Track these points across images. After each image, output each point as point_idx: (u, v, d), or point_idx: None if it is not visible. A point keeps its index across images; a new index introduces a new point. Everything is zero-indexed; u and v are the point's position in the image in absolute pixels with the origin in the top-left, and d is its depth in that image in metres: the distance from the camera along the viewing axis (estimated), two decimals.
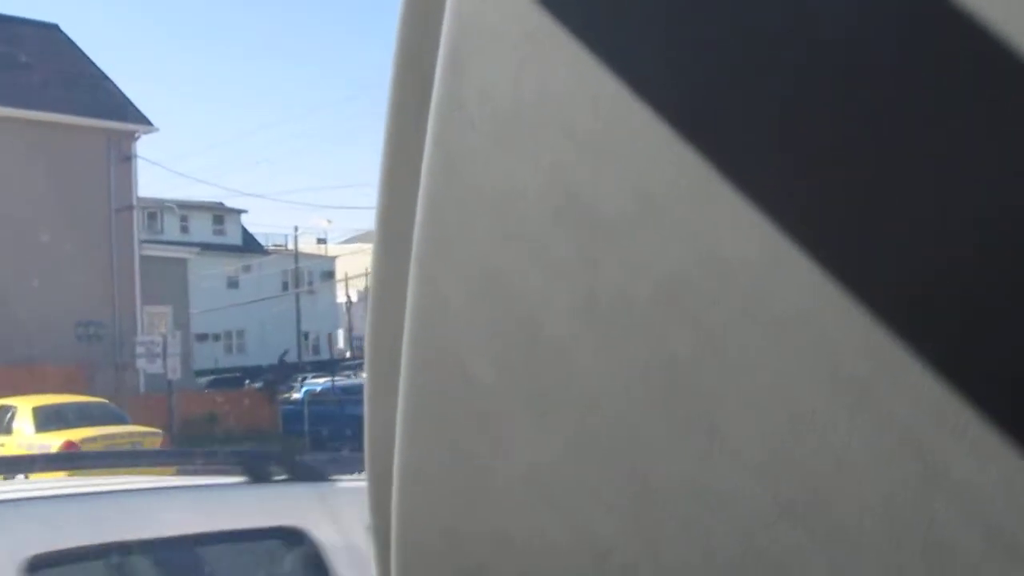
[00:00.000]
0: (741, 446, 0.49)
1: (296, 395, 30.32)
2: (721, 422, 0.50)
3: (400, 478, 0.60)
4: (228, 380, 37.44)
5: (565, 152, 0.55)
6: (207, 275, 43.68)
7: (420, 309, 0.59)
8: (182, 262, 32.87)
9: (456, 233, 0.58)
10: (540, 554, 0.55)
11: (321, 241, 61.44)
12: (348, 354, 54.81)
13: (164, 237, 47.01)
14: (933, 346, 0.45)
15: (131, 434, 16.53)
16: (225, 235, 49.47)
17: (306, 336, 51.57)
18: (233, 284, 46.78)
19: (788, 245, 0.48)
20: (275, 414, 27.06)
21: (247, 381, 35.62)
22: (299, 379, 35.70)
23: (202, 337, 46.79)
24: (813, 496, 0.48)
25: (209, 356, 45.92)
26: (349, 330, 57.92)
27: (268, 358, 47.60)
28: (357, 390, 25.23)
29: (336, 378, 35.37)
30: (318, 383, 31.82)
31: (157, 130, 31.74)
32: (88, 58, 32.15)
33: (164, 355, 25.33)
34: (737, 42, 0.49)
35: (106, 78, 31.68)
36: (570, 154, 0.55)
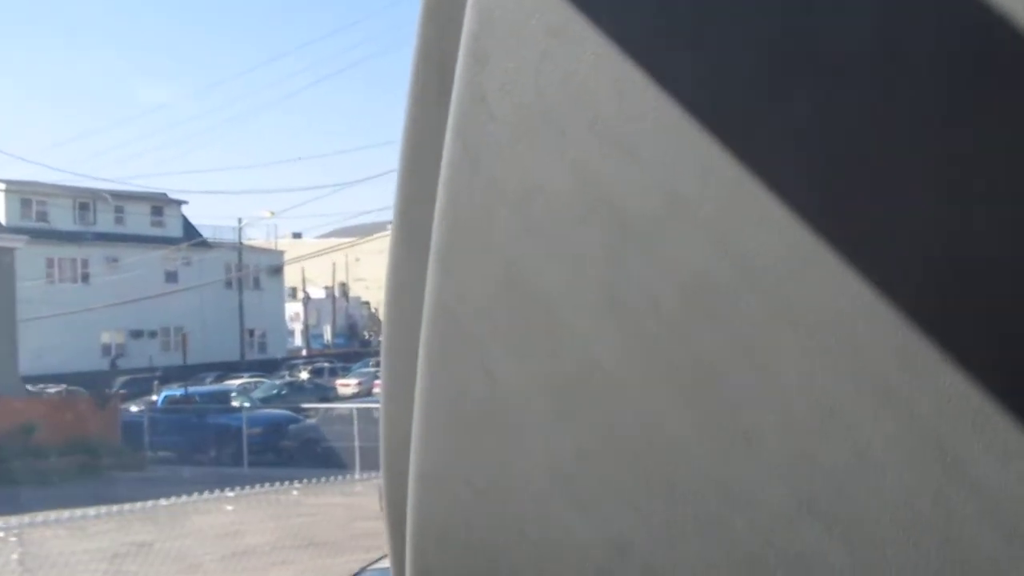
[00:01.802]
0: (765, 444, 0.51)
1: (134, 406, 27.89)
2: (745, 420, 0.52)
3: (416, 475, 0.61)
4: (145, 381, 36.40)
5: (589, 147, 0.56)
6: (141, 268, 42.75)
7: (439, 304, 0.60)
8: (9, 252, 29.48)
9: (477, 227, 0.59)
10: (558, 549, 0.56)
11: (297, 236, 60.80)
12: (304, 352, 54.03)
13: (96, 229, 46.07)
14: (956, 346, 0.46)
15: None
16: (164, 227, 48.46)
17: (251, 333, 50.69)
18: (172, 278, 45.73)
19: (815, 245, 0.50)
20: (113, 424, 24.06)
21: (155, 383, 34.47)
22: (155, 384, 34.35)
23: (136, 334, 45.92)
24: (835, 493, 0.50)
25: (143, 354, 45.00)
26: (306, 327, 57.16)
27: (210, 356, 46.76)
28: (223, 396, 24.25)
29: (242, 382, 34.50)
30: (181, 390, 30.23)
31: None
32: None
33: None
34: (766, 39, 0.51)
35: None
36: (594, 149, 0.56)
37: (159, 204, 49.25)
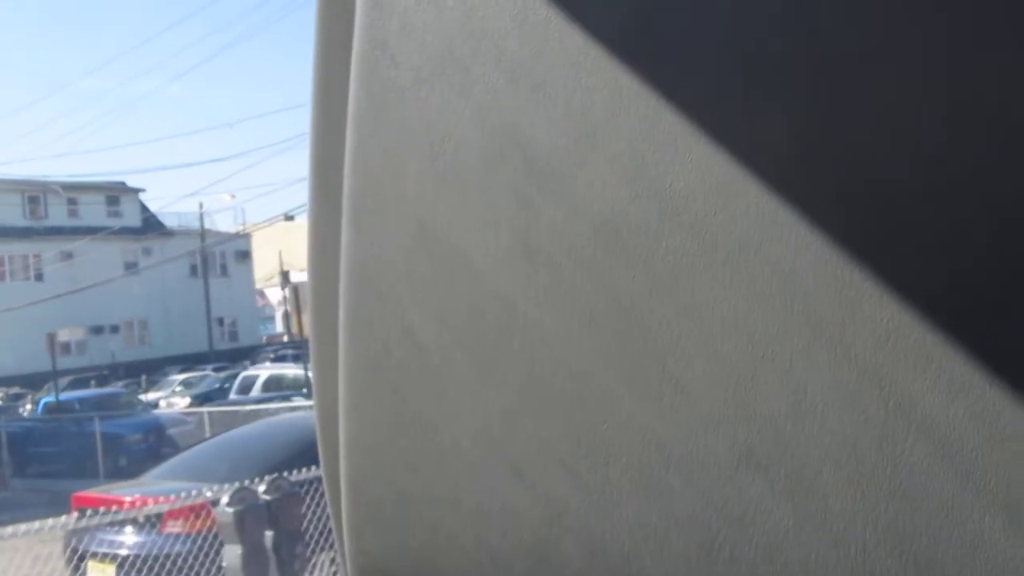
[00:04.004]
0: (696, 393, 0.49)
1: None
2: (674, 368, 0.50)
3: (347, 445, 0.60)
4: (98, 379, 36.17)
5: (495, 87, 0.54)
6: (99, 261, 42.55)
7: (355, 263, 0.59)
8: None
9: (387, 180, 0.58)
10: (494, 515, 0.55)
11: (289, 218, 60.82)
12: (286, 338, 53.90)
13: (49, 223, 45.93)
14: (893, 278, 0.45)
15: None
16: (122, 217, 48.21)
17: (220, 322, 50.53)
18: (132, 270, 45.52)
19: (734, 174, 0.48)
20: None
21: (91, 381, 34.11)
22: (92, 384, 34.03)
23: (97, 330, 45.84)
24: (773, 444, 0.48)
25: (104, 350, 44.92)
26: (286, 312, 57.00)
27: (177, 348, 46.66)
28: (109, 401, 23.62)
29: (194, 374, 34.11)
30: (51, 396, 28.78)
31: None
32: None
33: None
34: None
35: None
36: (500, 89, 0.54)
37: (115, 193, 48.94)
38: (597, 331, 0.52)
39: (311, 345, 0.66)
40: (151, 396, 31.30)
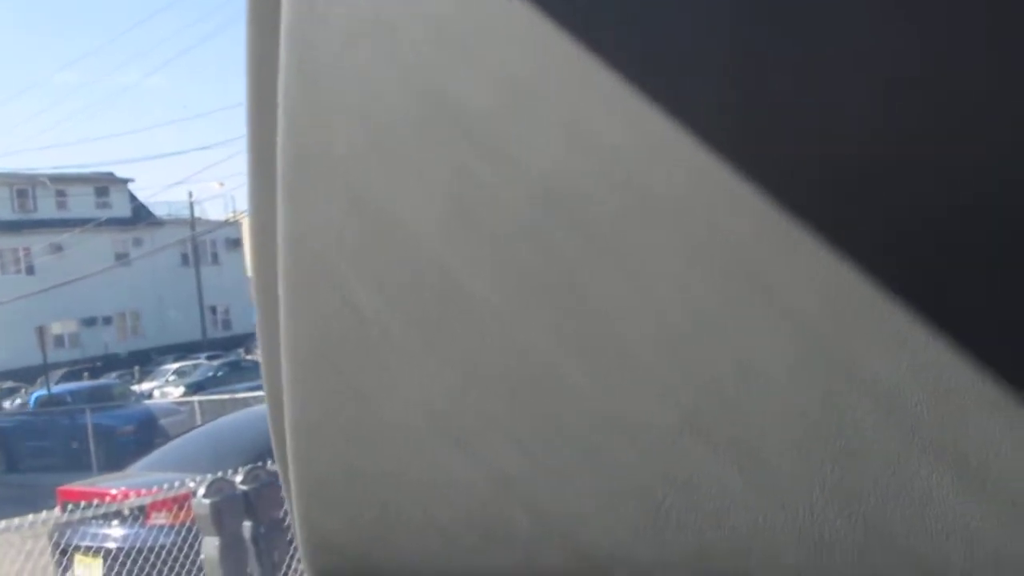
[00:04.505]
0: (638, 358, 0.49)
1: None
2: (617, 335, 0.49)
3: (292, 422, 0.59)
4: (91, 372, 36.10)
5: (423, 47, 0.53)
6: (89, 253, 42.40)
7: (292, 236, 0.58)
8: None
9: (319, 148, 0.56)
10: (442, 489, 0.55)
11: None
12: None
13: (38, 216, 45.77)
14: (834, 233, 0.45)
15: None
16: (111, 208, 48.05)
17: (213, 310, 50.45)
18: (123, 260, 45.39)
19: (671, 132, 0.48)
20: None
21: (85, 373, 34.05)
22: (84, 376, 34.00)
23: (89, 322, 45.77)
24: (718, 410, 0.47)
25: (98, 342, 44.86)
26: None
27: (170, 338, 46.59)
28: (101, 393, 23.51)
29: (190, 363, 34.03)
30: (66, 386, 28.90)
31: None
32: None
33: None
34: None
35: None
36: (429, 49, 0.53)
37: (103, 184, 48.77)
38: (537, 298, 0.51)
39: (257, 322, 0.65)
40: (144, 386, 31.28)
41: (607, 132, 0.49)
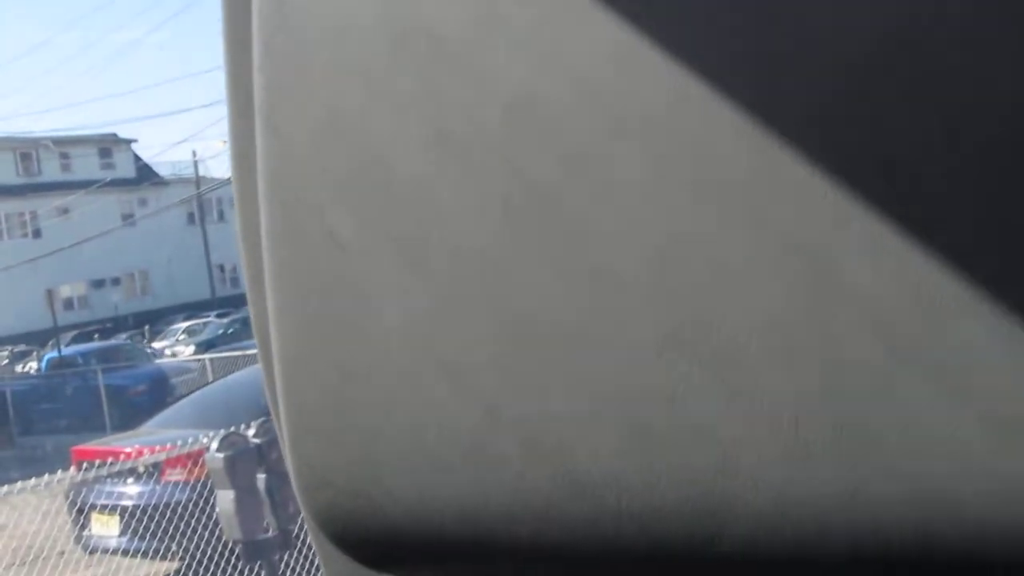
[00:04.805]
0: (615, 275, 0.49)
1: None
2: (592, 251, 0.49)
3: (280, 356, 0.59)
4: (102, 333, 36.23)
5: None
6: (95, 214, 42.41)
7: (271, 168, 0.58)
8: None
9: (294, 76, 0.57)
10: (429, 417, 0.55)
11: None
12: None
13: (43, 179, 45.72)
14: (805, 137, 0.45)
15: None
16: (115, 168, 47.96)
17: (221, 268, 50.52)
18: (129, 221, 45.40)
19: (641, 44, 0.48)
20: None
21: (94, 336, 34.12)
22: (95, 338, 34.07)
23: (97, 283, 45.89)
24: (698, 322, 0.47)
25: (107, 303, 44.98)
26: None
27: (179, 298, 46.70)
28: (112, 353, 23.55)
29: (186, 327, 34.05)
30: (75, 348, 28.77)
31: None
32: None
33: None
34: None
35: None
36: None
37: (107, 145, 48.66)
38: (513, 217, 0.51)
39: (241, 256, 0.64)
40: (155, 346, 31.39)
41: (579, 49, 0.49)
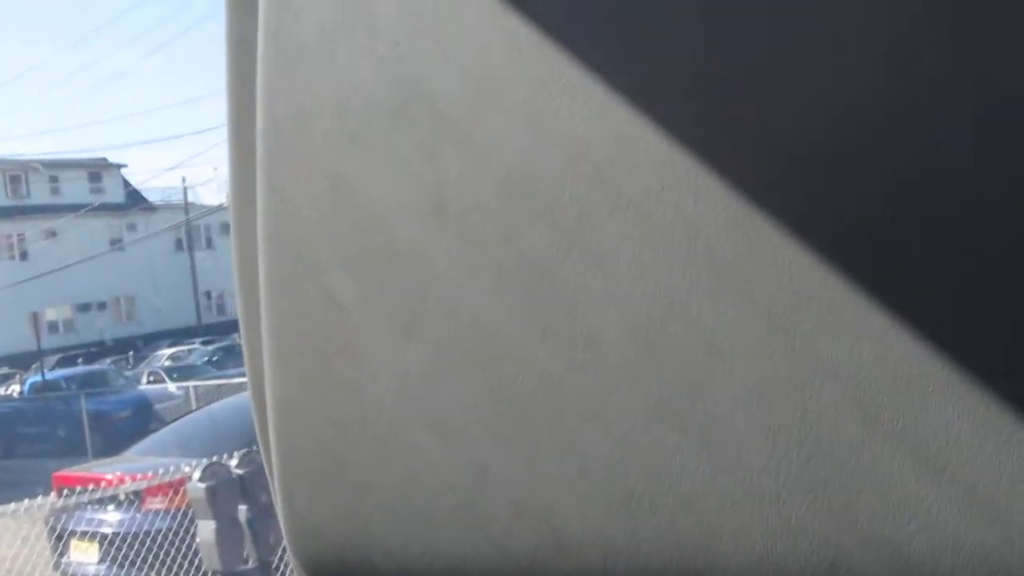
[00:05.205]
0: (606, 344, 0.50)
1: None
2: (584, 320, 0.50)
3: (274, 406, 0.60)
4: (86, 357, 36.05)
5: (397, 35, 0.55)
6: (83, 238, 42.31)
7: (271, 225, 0.59)
8: None
9: (298, 138, 0.58)
10: (420, 476, 0.56)
11: None
12: None
13: (31, 202, 45.63)
14: (791, 218, 0.46)
15: None
16: (104, 193, 47.89)
17: (208, 295, 50.38)
18: (117, 246, 45.27)
19: (634, 121, 0.49)
20: None
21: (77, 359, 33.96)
22: (79, 362, 33.93)
23: (83, 307, 45.68)
24: (686, 394, 0.48)
25: (92, 328, 44.78)
26: None
27: (165, 323, 46.53)
28: (96, 378, 23.40)
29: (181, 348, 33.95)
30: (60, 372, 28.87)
31: None
32: None
33: None
34: None
35: None
36: (403, 38, 0.55)
37: (97, 169, 48.61)
38: (508, 285, 0.52)
39: (238, 303, 0.65)
40: (140, 372, 31.24)
41: (575, 124, 0.50)
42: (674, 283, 0.48)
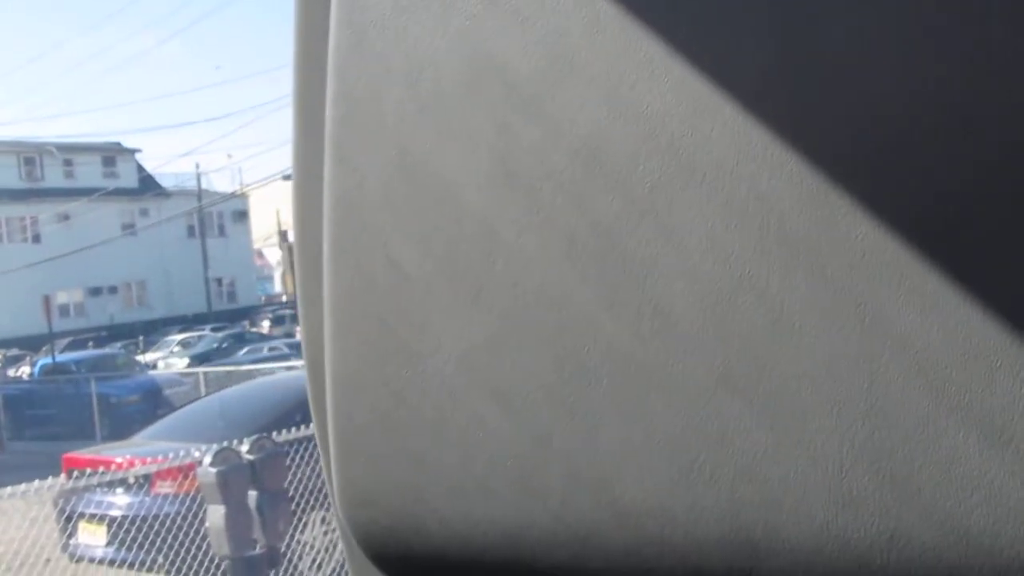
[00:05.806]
0: (675, 315, 0.50)
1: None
2: (653, 291, 0.51)
3: (332, 375, 0.61)
4: (97, 341, 36.17)
5: (474, 13, 0.55)
6: (96, 223, 42.44)
7: (337, 194, 0.60)
8: None
9: (368, 109, 0.59)
10: (478, 443, 0.56)
11: (287, 177, 60.60)
12: (284, 298, 53.82)
13: (45, 185, 45.77)
14: (865, 192, 0.46)
15: None
16: (118, 178, 48.02)
17: (219, 282, 50.51)
18: (130, 231, 45.42)
19: (710, 95, 0.49)
20: None
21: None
22: (89, 345, 34.04)
23: (95, 291, 45.83)
24: (752, 365, 0.49)
25: (103, 311, 44.93)
26: (285, 272, 56.97)
27: (176, 309, 46.67)
28: (105, 362, 23.47)
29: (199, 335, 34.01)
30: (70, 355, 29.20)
31: None
32: None
33: None
34: None
35: None
36: (479, 15, 0.55)
37: (111, 154, 48.74)
38: (577, 255, 0.52)
39: (296, 275, 0.66)
40: (149, 357, 31.34)
41: (649, 96, 0.50)
42: (745, 256, 0.49)
